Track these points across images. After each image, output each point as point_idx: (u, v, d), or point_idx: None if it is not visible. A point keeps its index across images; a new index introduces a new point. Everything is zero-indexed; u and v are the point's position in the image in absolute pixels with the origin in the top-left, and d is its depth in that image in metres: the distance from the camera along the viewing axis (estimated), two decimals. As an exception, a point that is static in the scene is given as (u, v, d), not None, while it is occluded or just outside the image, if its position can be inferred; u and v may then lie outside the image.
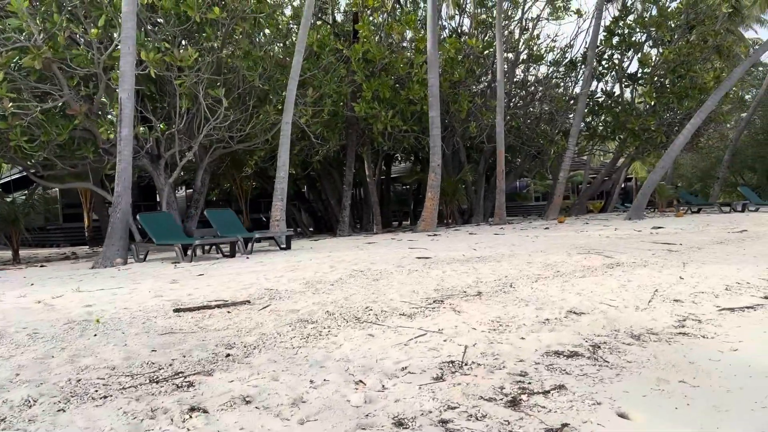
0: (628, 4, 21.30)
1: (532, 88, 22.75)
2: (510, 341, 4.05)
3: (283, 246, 10.66)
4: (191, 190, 30.08)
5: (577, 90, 22.00)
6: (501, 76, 17.66)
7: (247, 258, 9.31)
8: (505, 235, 12.29)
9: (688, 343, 4.18)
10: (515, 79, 22.34)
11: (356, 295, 5.34)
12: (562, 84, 23.05)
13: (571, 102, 21.88)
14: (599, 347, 3.99)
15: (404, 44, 19.00)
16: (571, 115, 21.49)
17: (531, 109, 23.17)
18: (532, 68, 23.05)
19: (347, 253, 8.97)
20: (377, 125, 17.05)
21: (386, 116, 16.90)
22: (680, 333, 4.42)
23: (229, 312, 4.75)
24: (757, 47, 21.73)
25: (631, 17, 21.48)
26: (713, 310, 5.16)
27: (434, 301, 5.14)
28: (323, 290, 5.65)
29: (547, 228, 14.41)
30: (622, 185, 29.01)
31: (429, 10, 15.60)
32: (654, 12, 20.90)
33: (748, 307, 5.23)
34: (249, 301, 5.17)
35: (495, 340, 4.06)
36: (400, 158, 26.79)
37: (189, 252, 9.21)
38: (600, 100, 23.04)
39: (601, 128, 23.48)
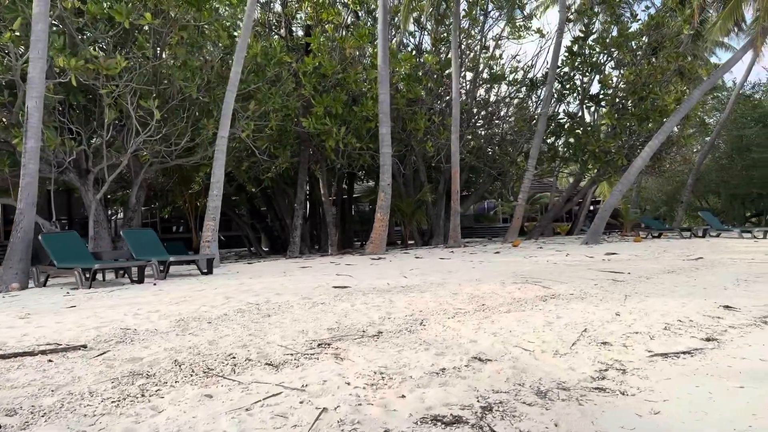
0: (590, 24, 21.01)
1: (492, 108, 22.28)
2: (385, 401, 3.28)
3: (205, 270, 9.80)
4: (143, 208, 29.00)
5: (539, 111, 21.58)
6: (456, 94, 17.11)
7: (154, 284, 8.43)
8: (451, 259, 11.59)
9: (602, 403, 3.45)
10: (476, 99, 21.85)
11: (228, 337, 4.53)
12: (523, 104, 22.63)
13: (533, 122, 21.44)
14: (491, 409, 3.24)
15: (364, 60, 18.39)
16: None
17: (492, 130, 22.70)
18: (494, 88, 22.60)
19: (267, 279, 8.16)
20: (329, 142, 16.32)
21: (338, 133, 16.18)
22: (597, 388, 3.70)
23: (50, 361, 3.91)
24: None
25: (592, 38, 21.21)
26: (644, 356, 4.46)
27: (320, 345, 4.35)
28: (193, 330, 4.83)
29: (498, 252, 13.76)
30: (590, 207, 28.68)
31: (379, 24, 15.03)
32: (615, 33, 20.65)
33: (684, 353, 4.55)
34: (86, 346, 4.33)
35: (366, 400, 3.28)
36: (363, 177, 26.10)
37: (90, 277, 8.26)
38: (562, 121, 22.67)
39: (563, 150, 23.09)
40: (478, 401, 3.35)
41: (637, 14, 21.34)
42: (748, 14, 19.56)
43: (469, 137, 21.28)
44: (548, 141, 23.15)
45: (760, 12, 16.32)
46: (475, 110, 22.24)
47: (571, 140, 22.14)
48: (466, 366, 3.98)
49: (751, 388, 3.80)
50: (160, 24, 12.76)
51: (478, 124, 22.15)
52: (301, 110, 16.59)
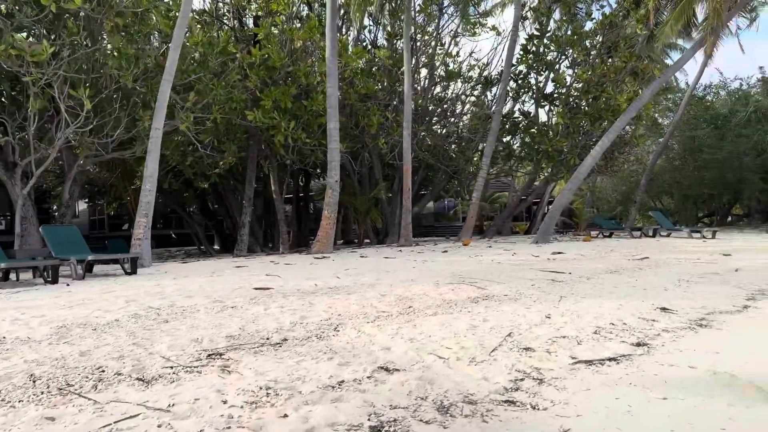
0: (545, 23, 20.92)
1: (447, 105, 22.02)
2: (261, 422, 2.86)
3: (129, 270, 9.20)
4: (88, 204, 27.93)
5: (493, 109, 21.40)
6: (408, 89, 16.77)
7: (68, 285, 7.82)
8: (396, 259, 11.23)
9: (508, 420, 3.10)
10: (431, 96, 21.56)
11: (107, 347, 4.05)
12: (479, 102, 22.44)
13: (488, 121, 21.26)
14: (381, 429, 2.85)
15: (315, 53, 17.88)
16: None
17: (449, 128, 22.45)
18: (450, 85, 22.34)
19: (189, 280, 7.65)
20: (278, 137, 15.78)
21: (287, 128, 15.66)
22: (508, 401, 3.36)
23: None
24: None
25: (547, 36, 21.12)
26: (566, 363, 4.14)
27: (210, 355, 3.90)
28: (72, 338, 4.33)
29: (446, 251, 13.46)
30: (548, 207, 28.70)
31: (328, 15, 14.55)
32: (569, 32, 20.60)
33: (610, 359, 4.25)
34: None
35: (239, 423, 2.85)
36: (318, 175, 25.57)
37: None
38: (517, 120, 22.56)
39: (518, 149, 22.99)
40: (369, 420, 2.96)
41: (592, 13, 21.25)
42: (701, 15, 19.75)
43: (424, 134, 20.98)
44: (504, 140, 23.01)
45: (709, 12, 16.43)
46: (431, 107, 21.96)
47: (527, 139, 22.04)
48: (368, 377, 3.60)
49: (675, 399, 3.51)
50: (93, 9, 12.06)
51: (433, 122, 21.85)
52: (250, 103, 16.00)
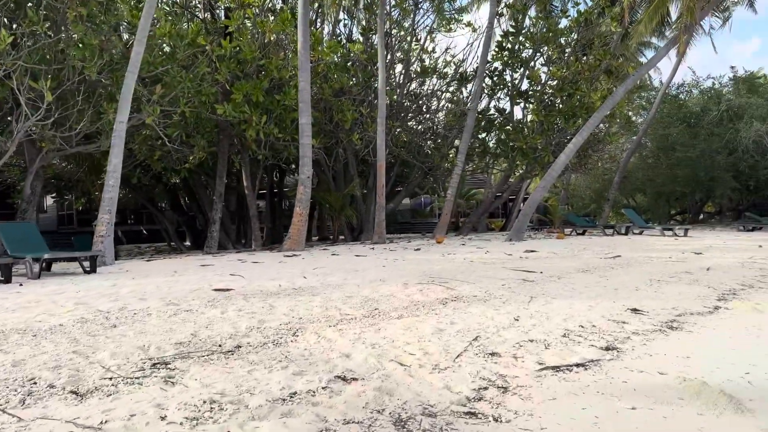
0: (520, 20, 20.83)
1: (423, 101, 21.85)
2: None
3: (88, 269, 8.84)
4: (54, 200, 27.21)
5: (469, 106, 21.28)
6: (382, 85, 16.54)
7: (21, 285, 7.46)
8: (368, 257, 11.02)
9: (468, 435, 2.93)
10: (407, 92, 21.36)
11: (44, 355, 3.78)
12: (454, 98, 22.31)
13: (463, 117, 21.13)
14: (329, 449, 2.66)
15: (288, 46, 17.54)
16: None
17: (425, 124, 22.28)
18: (426, 81, 22.16)
19: (149, 280, 7.35)
20: (250, 132, 15.44)
21: (258, 122, 15.32)
22: (469, 413, 3.18)
23: None
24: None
25: (522, 33, 21.06)
26: (533, 369, 3.98)
27: (155, 365, 3.66)
28: (8, 346, 4.03)
29: (418, 249, 13.29)
30: (522, 204, 28.72)
31: (300, 8, 14.25)
32: (544, 29, 20.53)
33: (578, 365, 4.10)
34: None
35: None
36: (293, 171, 25.20)
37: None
38: (492, 117, 22.48)
39: (493, 146, 22.92)
40: (318, 437, 2.76)
41: (568, 11, 21.21)
42: (674, 14, 19.84)
43: (400, 130, 20.78)
44: (480, 137, 22.92)
45: (683, 11, 16.49)
46: (406, 103, 21.76)
47: (502, 136, 21.97)
48: (323, 388, 3.39)
49: (643, 409, 3.36)
50: (54, -2, 11.63)
51: (408, 118, 21.65)
52: (220, 97, 15.62)
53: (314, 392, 3.31)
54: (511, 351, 4.34)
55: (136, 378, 3.41)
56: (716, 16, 21.15)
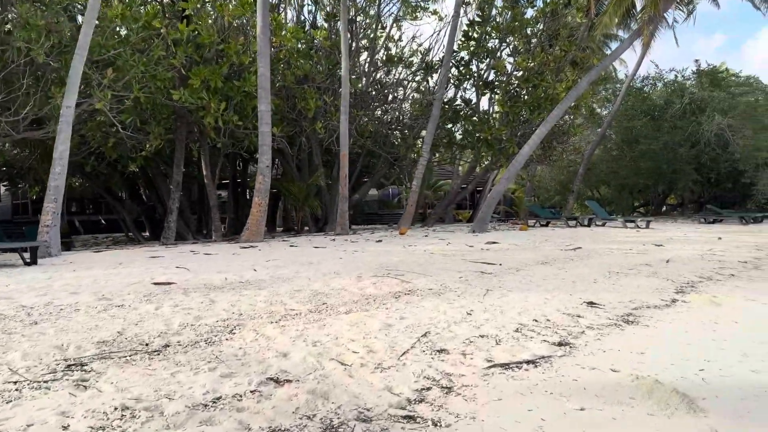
0: (486, 9, 20.65)
1: (389, 90, 21.55)
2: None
3: (28, 261, 8.38)
4: (6, 188, 26.21)
5: (435, 95, 21.07)
6: (346, 72, 16.20)
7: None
8: (326, 249, 10.75)
9: (400, 443, 2.72)
10: (372, 80, 21.03)
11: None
12: (420, 88, 22.06)
13: (429, 107, 20.92)
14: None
15: (251, 31, 17.04)
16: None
17: (392, 113, 22.00)
18: (392, 70, 21.85)
19: (92, 272, 6.95)
20: (208, 119, 14.96)
21: (217, 109, 14.85)
22: (408, 416, 2.96)
23: None
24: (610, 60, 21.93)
25: (488, 23, 20.90)
26: (481, 367, 3.78)
27: (70, 366, 3.35)
28: None
29: (380, 241, 13.06)
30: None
31: (260, -10, 13.80)
32: (510, 19, 20.40)
33: (528, 362, 3.92)
34: None
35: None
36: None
37: None
38: (458, 107, 22.31)
39: (459, 137, 22.78)
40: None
41: (534, 1, 21.11)
42: (639, 5, 19.87)
43: (365, 120, 20.46)
44: (446, 127, 22.75)
45: (647, 2, 16.52)
46: (372, 92, 21.44)
47: (468, 127, 21.84)
48: (252, 391, 3.12)
49: (592, 410, 3.19)
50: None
51: (374, 107, 21.33)
52: (177, 82, 15.09)
53: (241, 396, 3.05)
54: (460, 347, 4.14)
55: (44, 382, 3.09)
56: (680, 9, 21.29)
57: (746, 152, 24.60)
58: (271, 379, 3.31)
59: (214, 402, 2.96)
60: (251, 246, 11.42)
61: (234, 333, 4.17)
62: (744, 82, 28.98)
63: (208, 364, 3.49)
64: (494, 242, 11.59)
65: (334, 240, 13.42)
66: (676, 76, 29.47)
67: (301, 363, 3.62)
